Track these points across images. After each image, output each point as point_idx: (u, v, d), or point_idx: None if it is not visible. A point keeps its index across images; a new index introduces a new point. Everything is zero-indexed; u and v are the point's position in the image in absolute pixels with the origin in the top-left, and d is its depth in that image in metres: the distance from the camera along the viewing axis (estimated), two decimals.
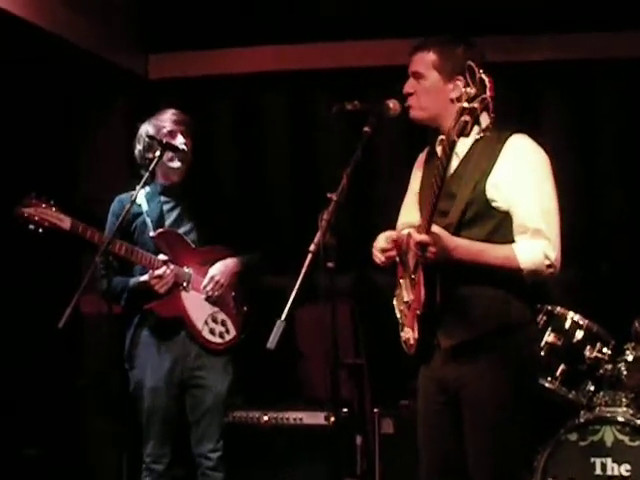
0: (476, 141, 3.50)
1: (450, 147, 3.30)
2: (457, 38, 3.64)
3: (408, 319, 3.67)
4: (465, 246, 3.45)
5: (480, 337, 3.50)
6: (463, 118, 3.18)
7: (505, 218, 3.51)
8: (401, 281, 3.75)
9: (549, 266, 3.46)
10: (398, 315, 3.80)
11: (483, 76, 3.13)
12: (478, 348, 3.50)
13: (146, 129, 4.58)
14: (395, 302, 3.83)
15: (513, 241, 3.49)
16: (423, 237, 3.35)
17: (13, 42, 5.13)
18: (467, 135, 3.24)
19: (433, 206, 3.36)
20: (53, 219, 4.34)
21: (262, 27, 6.11)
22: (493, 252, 3.47)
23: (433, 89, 3.61)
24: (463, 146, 3.53)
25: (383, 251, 3.66)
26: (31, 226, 4.33)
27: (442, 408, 3.62)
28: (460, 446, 3.57)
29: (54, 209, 4.36)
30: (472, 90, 3.15)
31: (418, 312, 3.52)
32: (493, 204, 3.50)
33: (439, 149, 3.60)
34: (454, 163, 3.56)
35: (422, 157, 3.89)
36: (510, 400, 3.50)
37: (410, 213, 3.81)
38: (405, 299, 3.68)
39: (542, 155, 3.58)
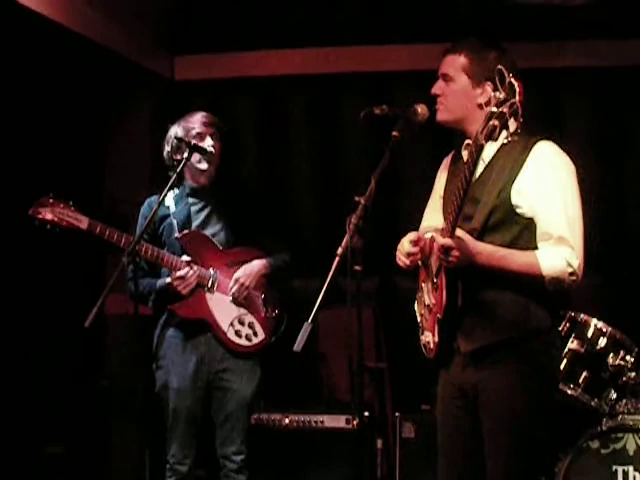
0: (502, 146, 3.51)
1: (478, 151, 3.29)
2: (489, 43, 3.64)
3: (429, 323, 3.66)
4: (488, 251, 3.44)
5: (500, 343, 3.49)
6: (492, 122, 3.17)
7: (529, 225, 3.50)
8: (423, 285, 3.74)
9: (571, 274, 3.45)
10: (419, 319, 3.79)
11: (513, 80, 3.12)
12: (497, 353, 3.49)
13: (175, 130, 4.60)
14: (416, 305, 3.83)
15: (536, 248, 3.48)
16: (447, 241, 3.35)
17: (42, 43, 5.17)
18: (495, 139, 3.24)
19: (458, 210, 3.35)
20: (70, 219, 4.37)
21: (288, 30, 6.14)
22: (516, 258, 3.46)
23: (461, 92, 3.60)
24: (489, 151, 3.53)
25: (408, 255, 3.64)
26: (48, 226, 4.35)
27: (461, 413, 3.61)
28: (479, 451, 3.55)
29: (72, 209, 4.38)
30: (501, 95, 3.15)
31: (439, 316, 3.52)
32: (517, 210, 3.49)
33: (465, 153, 3.61)
34: (479, 168, 3.54)
35: (447, 161, 3.89)
36: (528, 406, 3.49)
37: (433, 217, 3.80)
38: (426, 302, 3.67)
39: (568, 163, 3.56)
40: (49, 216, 4.36)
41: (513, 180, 3.49)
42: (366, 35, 6.07)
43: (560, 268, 3.44)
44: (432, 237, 3.55)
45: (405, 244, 3.67)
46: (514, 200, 3.49)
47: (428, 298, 3.66)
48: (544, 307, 3.53)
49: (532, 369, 3.51)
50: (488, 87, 3.52)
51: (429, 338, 3.65)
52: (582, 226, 3.52)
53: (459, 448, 3.64)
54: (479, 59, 3.58)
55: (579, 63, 5.92)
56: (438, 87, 3.67)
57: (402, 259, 3.68)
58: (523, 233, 3.51)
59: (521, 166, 3.50)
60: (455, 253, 3.35)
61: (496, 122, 3.16)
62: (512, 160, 3.52)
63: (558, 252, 3.44)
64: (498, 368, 3.50)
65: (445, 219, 3.51)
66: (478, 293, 3.51)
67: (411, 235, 3.67)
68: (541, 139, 3.56)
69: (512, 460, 3.50)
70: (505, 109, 3.14)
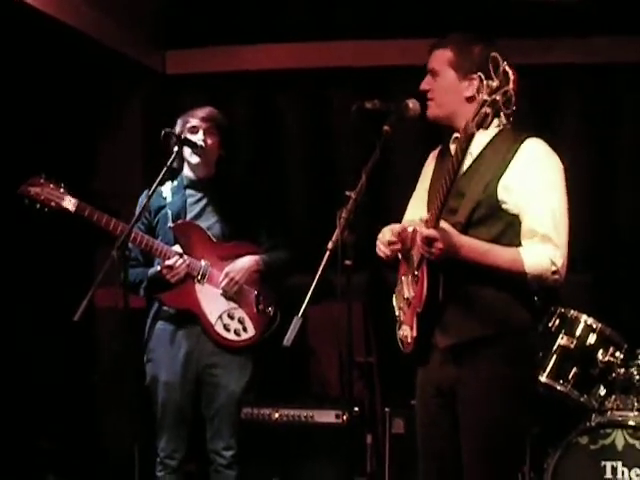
0: (491, 140, 3.55)
1: (468, 140, 3.27)
2: (476, 36, 3.64)
3: (407, 316, 3.65)
4: (472, 245, 3.44)
5: (478, 339, 3.49)
6: (484, 110, 3.16)
7: (513, 221, 3.50)
8: (402, 278, 3.73)
9: (554, 272, 3.45)
10: (397, 312, 3.78)
11: (507, 68, 3.11)
12: (475, 350, 3.49)
13: (178, 123, 4.62)
14: (394, 299, 3.82)
15: (519, 245, 3.48)
16: (431, 232, 3.34)
17: (34, 36, 5.15)
18: (486, 128, 3.23)
19: (443, 202, 3.35)
20: (59, 200, 4.37)
21: (280, 24, 6.13)
22: (499, 253, 3.46)
23: (449, 87, 3.60)
24: (477, 145, 3.52)
25: (388, 244, 3.64)
26: (37, 205, 4.35)
27: (440, 410, 3.63)
28: (457, 449, 3.56)
29: (62, 190, 4.39)
30: (494, 83, 3.13)
31: (418, 309, 3.51)
32: (503, 206, 3.49)
33: (453, 147, 3.60)
34: (467, 161, 3.52)
35: (434, 154, 3.89)
36: (505, 403, 3.50)
37: (417, 210, 3.78)
38: (406, 296, 3.65)
39: (556, 161, 3.57)
40: (38, 195, 4.36)
41: (500, 175, 3.49)
42: (360, 30, 6.06)
43: (543, 266, 3.44)
44: (415, 229, 3.54)
45: (386, 233, 3.67)
46: (500, 196, 3.48)
47: (408, 291, 3.65)
48: (526, 306, 3.54)
49: (510, 368, 3.50)
50: (475, 80, 3.49)
51: (407, 332, 3.64)
52: (567, 225, 3.52)
53: (438, 445, 3.65)
54: (465, 52, 3.59)
55: (572, 59, 5.92)
56: (426, 83, 3.68)
57: (382, 249, 3.68)
58: (507, 229, 3.51)
59: (509, 162, 3.50)
60: (438, 245, 3.34)
61: (488, 110, 3.15)
62: (500, 155, 3.51)
63: (542, 250, 3.44)
64: (476, 365, 3.50)
65: (429, 211, 3.49)
66: (459, 288, 3.50)
67: (394, 226, 3.67)
68: (530, 136, 3.56)
69: (489, 458, 3.51)
70: (498, 97, 3.12)
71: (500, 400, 3.49)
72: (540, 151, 3.55)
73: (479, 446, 3.51)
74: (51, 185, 4.39)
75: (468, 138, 3.27)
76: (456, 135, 3.59)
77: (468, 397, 3.51)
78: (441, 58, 3.62)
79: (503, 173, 3.49)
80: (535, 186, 3.47)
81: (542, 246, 3.44)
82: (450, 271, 3.46)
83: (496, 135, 3.58)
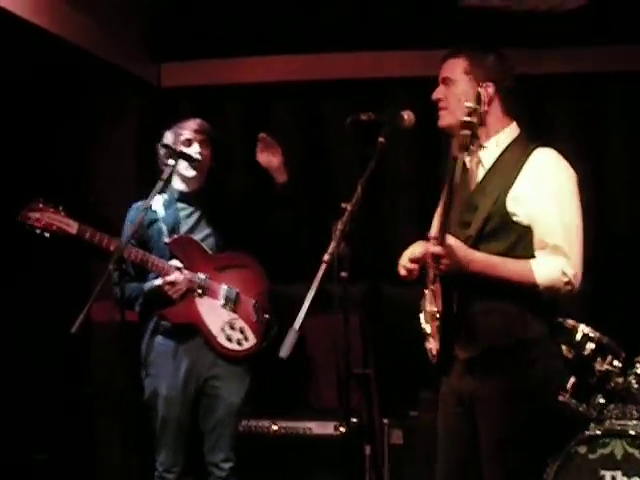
0: (503, 152, 3.56)
1: (453, 165, 3.33)
2: (488, 48, 3.66)
3: (432, 329, 3.63)
4: (480, 259, 3.44)
5: (495, 351, 3.49)
6: (463, 132, 3.24)
7: (526, 232, 3.49)
8: (426, 292, 3.71)
9: (567, 283, 3.44)
10: (423, 325, 3.75)
11: (480, 90, 3.24)
12: (493, 362, 3.50)
13: (167, 136, 4.60)
14: (422, 313, 3.79)
15: (533, 256, 3.47)
16: (436, 249, 3.36)
17: (27, 49, 5.15)
18: (467, 149, 3.31)
19: (444, 218, 3.38)
20: (60, 224, 4.36)
21: (275, 37, 6.12)
22: (509, 267, 3.45)
23: (463, 95, 3.56)
24: (489, 157, 3.57)
25: (405, 269, 3.66)
26: (37, 231, 4.34)
27: (461, 419, 3.62)
28: (477, 458, 3.56)
29: (62, 214, 4.38)
30: (471, 104, 3.25)
31: (437, 323, 3.51)
32: (514, 218, 3.49)
33: (467, 159, 3.61)
34: (480, 173, 3.58)
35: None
36: (522, 416, 3.48)
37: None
38: (428, 309, 3.64)
39: (568, 170, 3.57)
40: (39, 221, 4.35)
41: (509, 187, 3.49)
42: (353, 42, 6.07)
43: (554, 277, 3.43)
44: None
45: (404, 257, 3.68)
46: (509, 208, 3.48)
47: (430, 305, 3.63)
48: (540, 316, 3.53)
49: (527, 379, 3.49)
50: (489, 88, 3.54)
51: (432, 345, 3.63)
52: (581, 234, 3.51)
53: (458, 454, 3.64)
54: (479, 61, 3.59)
55: (561, 69, 5.94)
56: (439, 92, 3.66)
57: (400, 270, 3.69)
58: (520, 241, 3.50)
59: (518, 173, 3.50)
60: (444, 261, 3.36)
61: (467, 131, 3.23)
62: (510, 167, 3.52)
63: (553, 261, 3.43)
64: (493, 377, 3.50)
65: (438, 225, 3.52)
66: (473, 301, 3.50)
67: (416, 250, 3.65)
68: (540, 146, 3.56)
69: (506, 469, 3.51)
70: (475, 118, 3.21)
71: (517, 414, 3.48)
72: (549, 160, 3.54)
73: (497, 459, 3.51)
74: (51, 209, 4.38)
75: (453, 164, 3.33)
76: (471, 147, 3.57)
77: (485, 410, 3.52)
78: (455, 66, 3.62)
79: (512, 185, 3.49)
80: (545, 196, 3.47)
81: (553, 257, 3.44)
82: (463, 285, 3.46)
83: (508, 146, 3.59)
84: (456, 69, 3.61)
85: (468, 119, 3.24)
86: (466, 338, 3.52)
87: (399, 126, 3.68)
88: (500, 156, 3.57)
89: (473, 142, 3.32)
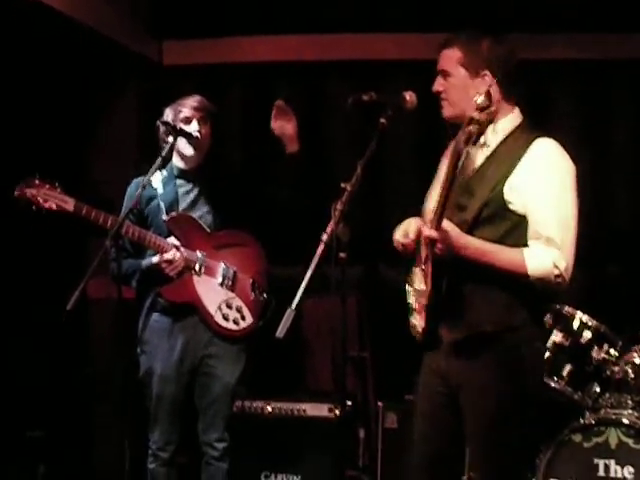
0: (505, 138, 3.56)
1: (457, 157, 3.35)
2: (481, 33, 3.63)
3: (418, 306, 3.65)
4: (474, 245, 3.45)
5: (479, 335, 3.51)
6: (469, 128, 3.26)
7: (521, 222, 3.50)
8: (416, 269, 3.70)
9: (557, 276, 3.46)
10: (409, 300, 3.75)
11: (492, 89, 3.27)
12: (478, 346, 3.51)
13: (167, 113, 4.58)
14: (407, 287, 3.78)
15: (526, 245, 3.49)
16: (432, 233, 3.37)
17: (28, 25, 5.13)
18: (474, 144, 3.35)
19: (442, 204, 3.37)
20: (57, 200, 4.35)
21: (278, 16, 6.11)
22: (502, 255, 3.47)
23: (461, 86, 3.59)
24: (492, 142, 3.57)
25: (400, 243, 3.66)
26: (34, 207, 4.33)
27: (444, 400, 3.63)
28: (456, 441, 3.60)
29: (58, 190, 4.36)
30: (485, 102, 3.28)
31: (425, 302, 3.53)
32: (510, 206, 3.49)
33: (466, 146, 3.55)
34: (479, 159, 3.57)
35: (450, 146, 3.79)
36: (509, 400, 3.51)
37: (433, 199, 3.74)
38: (416, 287, 3.65)
39: (567, 162, 3.57)
40: (35, 197, 4.33)
41: (508, 175, 3.49)
42: (356, 23, 6.06)
43: (546, 269, 3.45)
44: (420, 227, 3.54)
45: (399, 232, 3.67)
46: (506, 196, 3.48)
47: (418, 283, 3.64)
48: (527, 305, 3.54)
49: (511, 364, 3.52)
50: (487, 77, 3.55)
51: (417, 321, 3.65)
52: (575, 228, 3.53)
53: (437, 435, 3.66)
54: (473, 50, 3.58)
55: (566, 55, 5.92)
56: (438, 84, 3.67)
57: (396, 245, 3.69)
58: (514, 230, 3.51)
59: (518, 162, 3.50)
60: (439, 245, 3.38)
61: (473, 128, 3.26)
62: (510, 155, 3.52)
63: (545, 253, 3.45)
64: (479, 361, 3.52)
65: (434, 209, 3.48)
66: (462, 285, 3.52)
67: (410, 226, 3.64)
68: (541, 135, 3.55)
69: (492, 453, 3.53)
70: (484, 116, 3.26)
71: (503, 397, 3.51)
72: (550, 151, 3.54)
73: (484, 443, 3.54)
74: (47, 186, 4.36)
75: (457, 156, 3.34)
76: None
77: (471, 393, 3.55)
78: (451, 58, 3.61)
79: (511, 173, 3.49)
80: (543, 187, 3.48)
81: (546, 249, 3.45)
82: (454, 268, 3.47)
83: (510, 133, 3.59)
84: (451, 61, 3.61)
85: (477, 116, 3.26)
86: (452, 320, 3.54)
87: (401, 107, 3.68)
88: (501, 143, 3.57)
89: (479, 137, 3.36)
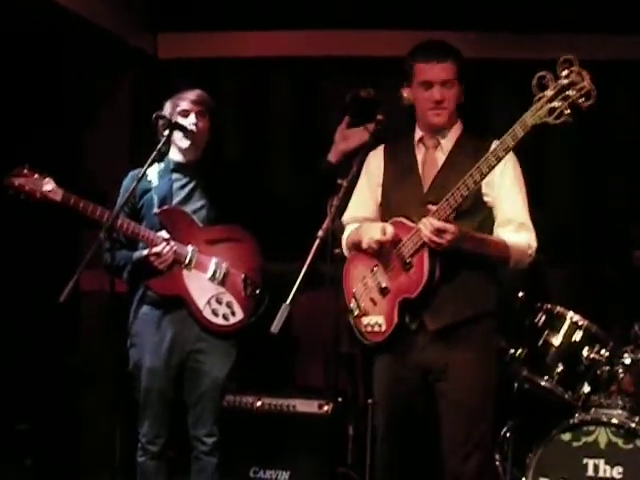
0: (456, 142, 3.96)
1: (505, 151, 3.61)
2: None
3: (378, 306, 3.89)
4: (475, 237, 3.77)
5: (464, 320, 3.84)
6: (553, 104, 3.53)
7: (489, 213, 3.90)
8: (374, 269, 3.90)
9: (530, 256, 3.89)
10: (355, 304, 3.94)
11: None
12: (461, 330, 3.84)
13: (166, 106, 4.56)
14: (355, 290, 3.94)
15: (491, 233, 3.88)
16: (447, 225, 3.63)
17: (24, 15, 5.11)
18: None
19: (463, 199, 3.65)
20: (44, 190, 4.33)
21: (274, 11, 6.09)
22: (491, 242, 3.85)
23: (457, 97, 3.92)
24: (448, 142, 3.95)
25: (377, 242, 3.80)
26: (21, 196, 4.32)
27: (413, 392, 3.92)
28: (424, 431, 3.94)
29: (47, 180, 4.35)
30: (565, 81, 3.53)
31: (410, 295, 3.76)
32: (485, 198, 3.88)
33: (421, 146, 3.98)
34: (441, 156, 3.94)
35: (378, 154, 4.04)
36: (487, 379, 3.93)
37: (364, 206, 4.04)
38: (382, 285, 3.86)
39: (516, 158, 3.94)
40: (23, 186, 4.32)
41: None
42: (352, 20, 6.05)
43: (524, 250, 3.87)
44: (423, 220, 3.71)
45: (371, 232, 3.82)
46: (483, 189, 3.84)
47: (383, 281, 3.86)
48: (495, 289, 3.96)
49: (490, 346, 3.98)
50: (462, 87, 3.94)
51: (376, 321, 3.89)
52: None
53: (405, 429, 3.96)
54: (460, 63, 3.90)
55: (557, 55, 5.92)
56: (442, 94, 3.87)
57: (371, 243, 3.82)
58: (486, 220, 3.89)
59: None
60: (447, 237, 3.63)
61: (558, 104, 3.50)
62: (475, 154, 3.77)
63: (522, 237, 3.87)
64: (464, 344, 3.85)
65: (436, 204, 3.72)
66: (450, 273, 3.78)
67: (385, 227, 3.82)
68: (493, 137, 3.83)
69: (472, 426, 3.87)
70: (571, 92, 3.49)
71: (485, 376, 3.91)
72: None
73: (465, 418, 3.85)
74: (35, 175, 4.35)
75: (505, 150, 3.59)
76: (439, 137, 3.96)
77: (458, 374, 3.83)
78: (451, 70, 3.87)
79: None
80: (509, 180, 3.89)
81: (520, 233, 3.86)
82: (446, 258, 3.73)
83: (462, 135, 3.99)
84: (452, 72, 3.87)
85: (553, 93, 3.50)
86: (439, 308, 3.81)
87: (399, 103, 3.73)
88: (455, 144, 3.95)
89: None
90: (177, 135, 4.48)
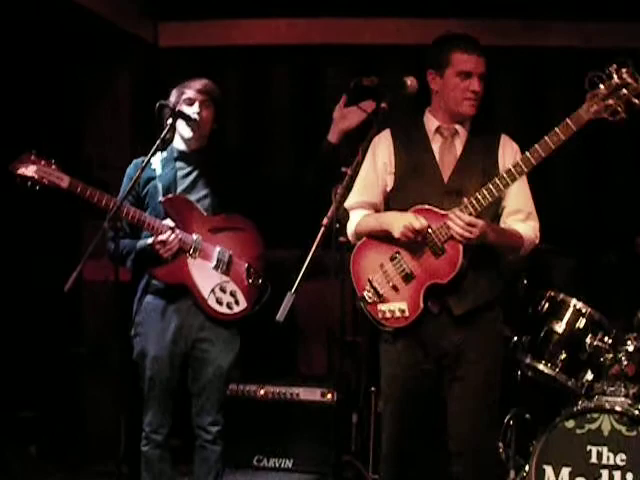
0: (471, 131, 4.04)
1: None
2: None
3: (400, 293, 3.94)
4: (494, 228, 3.90)
5: (486, 303, 3.98)
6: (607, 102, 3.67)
7: (497, 202, 3.96)
8: (397, 255, 3.95)
9: (536, 244, 4.06)
10: (378, 291, 3.97)
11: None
12: (480, 313, 3.96)
13: (172, 94, 4.55)
14: (372, 277, 3.98)
15: (497, 222, 4.00)
16: (476, 220, 3.77)
17: (21, 3, 5.09)
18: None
19: (496, 197, 3.80)
20: (52, 177, 4.30)
21: (275, 0, 6.07)
22: (509, 233, 3.98)
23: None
24: (464, 132, 4.03)
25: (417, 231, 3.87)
26: (29, 183, 4.30)
27: (426, 374, 3.99)
28: (430, 411, 4.04)
29: (53, 167, 4.33)
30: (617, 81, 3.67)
31: (440, 281, 3.87)
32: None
33: (438, 135, 4.02)
34: (458, 146, 4.01)
35: (386, 139, 4.06)
36: (497, 364, 4.07)
37: (372, 192, 4.05)
38: (406, 271, 3.92)
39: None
40: (30, 173, 4.30)
41: (496, 164, 4.00)
42: (352, 7, 6.03)
43: (532, 239, 4.03)
44: (453, 213, 3.82)
45: (407, 220, 3.87)
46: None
47: (408, 267, 3.92)
48: (503, 277, 4.10)
49: (500, 332, 4.14)
50: None
51: (398, 307, 3.93)
52: None
53: (412, 410, 4.04)
54: None
55: (562, 43, 5.93)
56: (480, 86, 3.97)
57: (410, 230, 3.87)
58: (495, 210, 4.00)
59: (496, 152, 4.02)
60: (476, 232, 3.76)
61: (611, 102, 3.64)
62: (487, 146, 4.00)
63: (529, 226, 4.02)
64: (482, 326, 3.99)
65: (467, 198, 3.82)
66: (472, 260, 3.90)
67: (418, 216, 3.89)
68: (501, 131, 4.07)
69: (483, 409, 4.00)
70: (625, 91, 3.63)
71: (498, 356, 4.08)
72: (513, 144, 4.07)
73: (479, 394, 3.98)
74: (42, 162, 4.32)
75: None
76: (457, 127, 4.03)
77: (477, 354, 3.96)
78: (486, 64, 3.97)
79: (497, 161, 4.00)
80: None
81: (528, 223, 4.02)
82: (472, 248, 3.87)
83: (472, 126, 4.05)
84: (486, 67, 3.97)
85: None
86: (467, 292, 3.92)
87: (402, 92, 3.73)
88: (471, 134, 4.03)
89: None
90: (181, 124, 4.47)
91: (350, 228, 4.02)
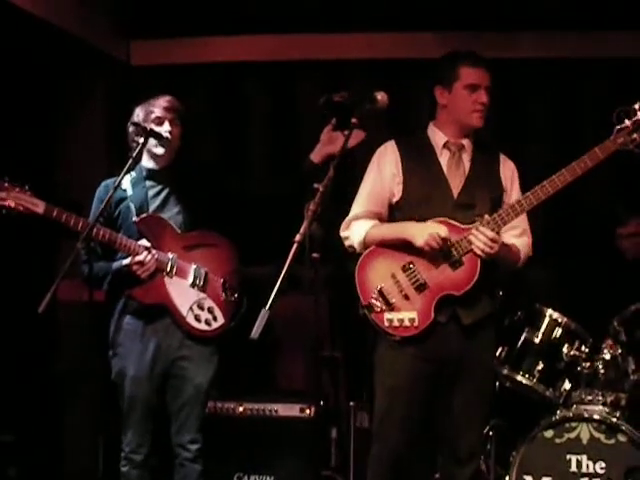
0: (475, 146, 4.18)
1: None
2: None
3: (411, 302, 4.02)
4: (503, 244, 4.03)
5: (487, 316, 4.11)
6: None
7: None
8: (410, 265, 4.04)
9: (529, 258, 4.22)
10: (388, 300, 4.03)
11: None
12: (482, 324, 4.10)
13: (137, 113, 4.55)
14: (383, 286, 4.04)
15: None
16: (497, 237, 3.94)
17: None
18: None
19: (516, 215, 3.98)
20: (26, 203, 4.30)
21: (246, 16, 6.09)
22: (513, 248, 4.13)
23: None
24: (469, 147, 4.18)
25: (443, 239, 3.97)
26: (3, 211, 4.29)
27: (429, 383, 4.09)
28: (431, 418, 4.18)
29: (28, 193, 4.32)
30: None
31: (454, 292, 3.98)
32: (502, 205, 4.15)
33: (446, 152, 4.16)
34: (465, 160, 4.16)
35: (393, 150, 4.19)
36: (491, 368, 4.35)
37: (379, 202, 4.18)
38: (420, 282, 4.02)
39: None
40: (4, 200, 4.29)
41: (500, 180, 4.18)
42: (324, 23, 6.06)
43: (527, 255, 4.21)
44: (476, 228, 3.96)
45: (432, 230, 3.98)
46: (503, 197, 4.18)
47: (423, 277, 4.02)
48: (498, 290, 4.28)
49: (493, 337, 4.25)
50: None
51: (408, 316, 4.01)
52: None
53: (420, 416, 4.14)
54: None
55: (537, 54, 5.95)
56: (488, 98, 4.09)
57: (434, 241, 3.96)
58: None
59: (499, 168, 4.19)
60: (496, 247, 3.92)
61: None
62: (490, 164, 4.18)
63: (525, 242, 4.20)
64: (482, 336, 4.12)
65: (489, 215, 3.98)
66: (485, 275, 4.02)
67: (440, 226, 4.00)
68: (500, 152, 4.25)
69: (484, 408, 4.20)
70: None
71: (490, 364, 4.30)
72: (510, 161, 4.26)
73: (477, 400, 4.12)
74: (17, 189, 4.32)
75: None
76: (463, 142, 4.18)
77: (477, 363, 4.10)
78: (490, 78, 4.11)
79: (501, 178, 4.19)
80: (517, 187, 4.22)
81: (524, 238, 4.20)
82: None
83: (475, 141, 4.19)
84: (490, 81, 4.11)
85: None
86: (472, 304, 4.03)
87: (373, 107, 3.74)
88: (475, 150, 4.17)
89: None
90: (151, 142, 4.47)
91: (357, 237, 4.15)
